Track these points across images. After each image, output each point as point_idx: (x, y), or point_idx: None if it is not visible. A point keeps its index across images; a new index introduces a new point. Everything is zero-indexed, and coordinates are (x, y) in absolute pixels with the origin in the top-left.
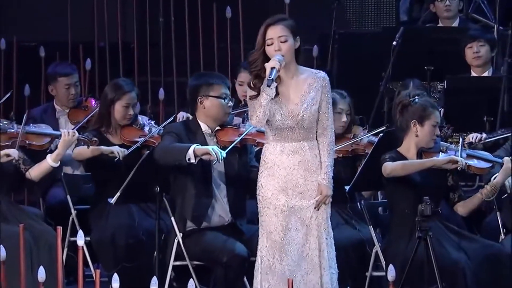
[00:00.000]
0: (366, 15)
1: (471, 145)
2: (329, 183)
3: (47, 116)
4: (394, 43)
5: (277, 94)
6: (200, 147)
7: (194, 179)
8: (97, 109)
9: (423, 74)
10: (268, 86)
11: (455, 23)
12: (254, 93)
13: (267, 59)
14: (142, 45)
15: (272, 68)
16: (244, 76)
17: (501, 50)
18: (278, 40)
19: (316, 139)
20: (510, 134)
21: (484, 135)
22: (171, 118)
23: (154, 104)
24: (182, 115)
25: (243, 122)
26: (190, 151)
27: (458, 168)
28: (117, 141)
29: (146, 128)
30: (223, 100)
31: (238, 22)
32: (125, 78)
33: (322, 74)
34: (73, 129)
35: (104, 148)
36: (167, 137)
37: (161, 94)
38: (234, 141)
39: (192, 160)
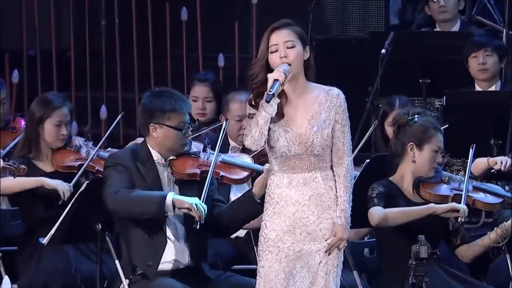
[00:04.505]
0: (350, 18)
1: (500, 172)
2: (346, 222)
3: None
4: (383, 51)
5: (282, 115)
6: (179, 197)
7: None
8: None
9: (418, 88)
10: (267, 101)
11: (456, 27)
12: (255, 111)
13: (270, 71)
14: (80, 53)
15: (275, 80)
16: (198, 91)
17: (511, 60)
18: (284, 45)
19: (332, 169)
20: None
21: None
22: None
23: (95, 124)
24: None
25: (204, 150)
26: (169, 202)
27: (459, 220)
28: (49, 168)
29: (83, 151)
30: (180, 132)
31: (196, 26)
32: (56, 92)
33: (336, 91)
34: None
35: (47, 181)
36: (113, 172)
37: (103, 112)
38: (194, 173)
39: (171, 213)
